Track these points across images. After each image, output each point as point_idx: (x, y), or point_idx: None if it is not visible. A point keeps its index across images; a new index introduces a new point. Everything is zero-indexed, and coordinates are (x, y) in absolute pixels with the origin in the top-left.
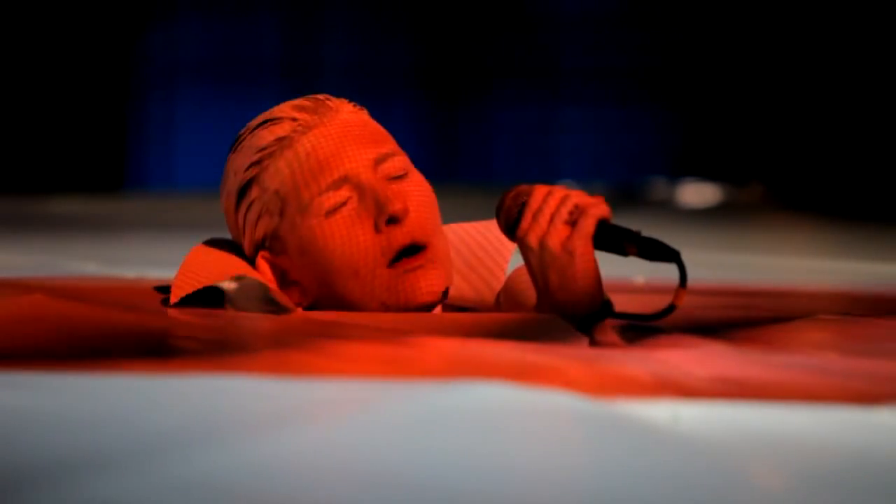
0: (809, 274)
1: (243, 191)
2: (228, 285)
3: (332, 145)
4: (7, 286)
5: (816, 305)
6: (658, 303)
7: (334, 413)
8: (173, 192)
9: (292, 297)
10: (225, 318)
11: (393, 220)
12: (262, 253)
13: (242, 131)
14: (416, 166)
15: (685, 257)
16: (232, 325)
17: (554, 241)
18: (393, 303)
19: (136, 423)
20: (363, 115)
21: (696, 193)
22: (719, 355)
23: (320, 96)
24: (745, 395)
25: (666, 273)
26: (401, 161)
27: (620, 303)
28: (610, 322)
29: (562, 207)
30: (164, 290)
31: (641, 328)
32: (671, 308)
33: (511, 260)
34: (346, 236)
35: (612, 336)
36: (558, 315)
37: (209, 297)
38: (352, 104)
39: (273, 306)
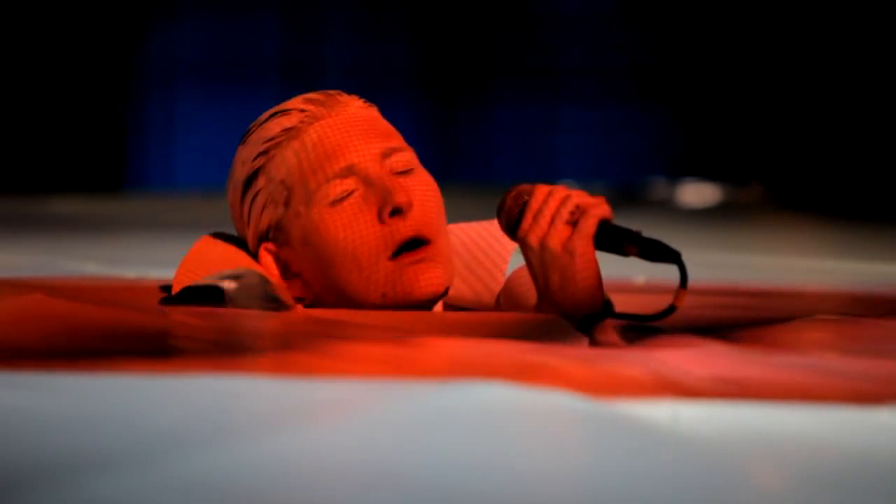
0: (809, 274)
1: (249, 181)
2: (228, 284)
3: (339, 136)
4: (7, 286)
5: (816, 305)
6: (658, 303)
7: (334, 413)
8: (173, 192)
9: (294, 290)
10: (225, 318)
11: (397, 212)
12: (265, 245)
13: (252, 124)
14: None
15: (685, 257)
16: (232, 325)
17: (555, 242)
18: (393, 295)
19: (136, 423)
20: (373, 112)
21: (696, 193)
22: (719, 355)
23: (332, 91)
24: (745, 395)
25: (666, 273)
26: (408, 157)
27: (620, 303)
28: (610, 322)
29: (563, 208)
30: (170, 289)
31: (641, 328)
32: (671, 309)
33: (511, 260)
34: (349, 226)
35: (613, 336)
36: (558, 315)
37: (210, 296)
38: (362, 100)
39: (273, 304)
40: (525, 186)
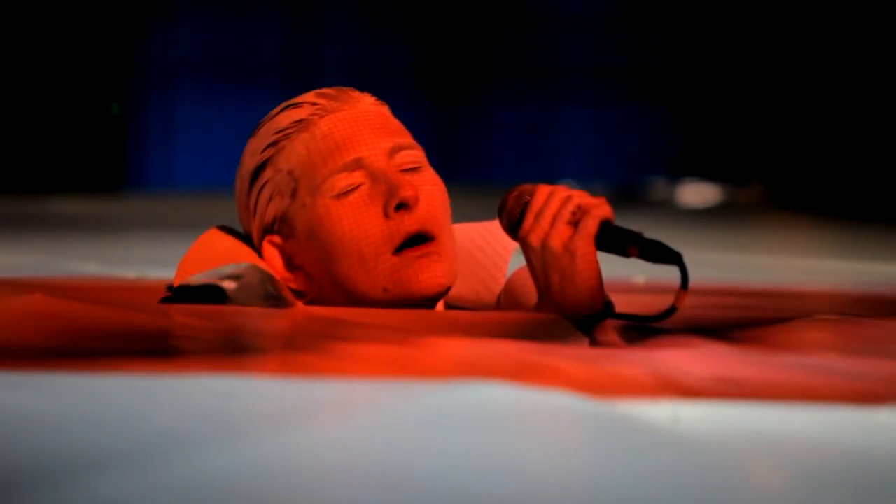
0: (809, 274)
1: (257, 171)
2: (228, 284)
3: (349, 130)
4: (7, 286)
5: (816, 305)
6: (658, 303)
7: (334, 413)
8: (173, 192)
9: (297, 283)
10: (226, 318)
11: (402, 206)
12: (268, 238)
13: (264, 118)
14: None
15: (685, 258)
16: (234, 326)
17: (556, 242)
18: (395, 290)
19: (136, 423)
20: (384, 109)
21: (696, 193)
22: (719, 355)
23: (345, 88)
24: (745, 395)
25: (666, 274)
26: (416, 154)
27: (620, 303)
28: (610, 322)
29: (564, 208)
30: (188, 289)
31: (641, 328)
32: (672, 310)
33: (511, 261)
34: (354, 219)
35: (613, 336)
36: (559, 315)
37: (210, 296)
38: (374, 98)
39: (274, 301)
40: (527, 186)
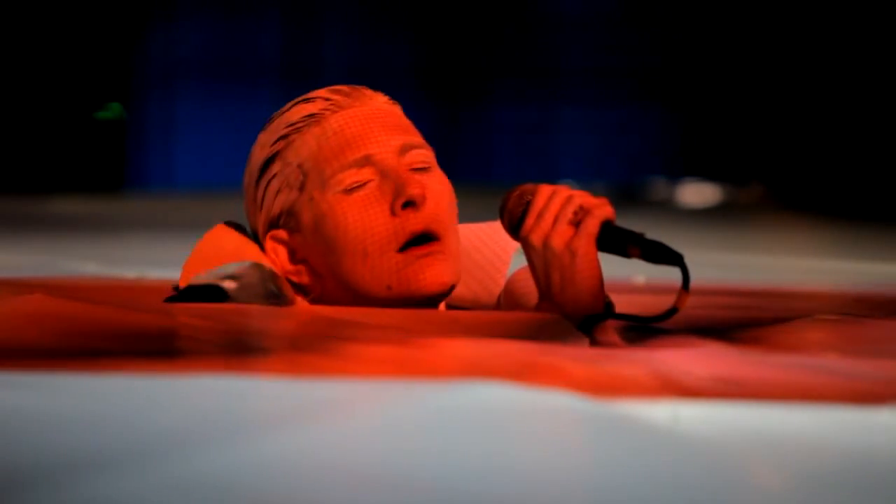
0: (809, 274)
1: (267, 164)
2: (229, 284)
3: (360, 126)
4: (7, 286)
5: (816, 305)
6: (658, 303)
7: (335, 413)
8: (173, 192)
9: (301, 278)
10: (226, 317)
11: (409, 204)
12: (272, 233)
13: (275, 112)
14: None
15: (685, 258)
16: (234, 326)
17: (557, 241)
18: (398, 288)
19: (136, 423)
20: (396, 108)
21: (696, 193)
22: (719, 355)
23: (358, 86)
24: (745, 395)
25: (667, 274)
26: (426, 154)
27: (621, 303)
28: (611, 322)
29: (566, 208)
30: (189, 289)
31: (642, 328)
32: (673, 311)
33: (511, 262)
34: (361, 215)
35: (613, 336)
36: (559, 315)
37: (212, 296)
38: (387, 97)
39: (275, 299)
40: (528, 186)
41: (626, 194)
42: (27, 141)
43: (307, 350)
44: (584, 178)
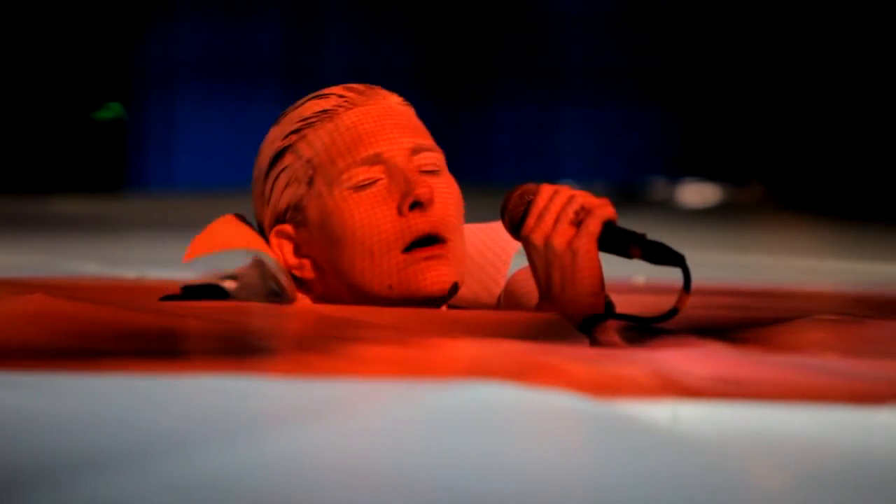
0: (809, 274)
1: (277, 157)
2: (229, 284)
3: (373, 124)
4: (7, 286)
5: (816, 305)
6: (659, 303)
7: (335, 413)
8: (173, 192)
9: (303, 273)
10: (227, 317)
11: (417, 205)
12: (278, 227)
13: (288, 107)
14: None
15: (686, 258)
16: (234, 326)
17: (559, 241)
18: (400, 289)
19: (136, 423)
20: (410, 110)
21: (696, 193)
22: (719, 355)
23: (374, 85)
24: (745, 395)
25: (667, 274)
26: (436, 157)
27: (621, 303)
28: (611, 322)
29: (568, 207)
30: (189, 289)
31: (642, 329)
32: (674, 311)
33: (511, 263)
34: (368, 213)
35: (613, 336)
36: (560, 315)
37: (212, 295)
38: (401, 98)
39: (275, 298)
40: (529, 186)
41: (627, 194)
42: (27, 141)
43: (307, 350)
44: (584, 178)
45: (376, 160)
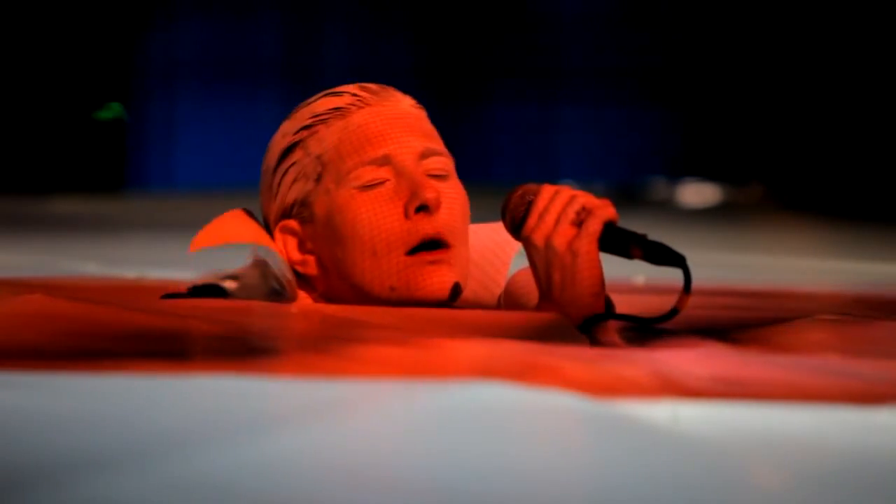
0: (809, 274)
1: (287, 152)
2: (230, 284)
3: (384, 125)
4: (7, 286)
5: (816, 305)
6: (659, 304)
7: (335, 413)
8: (173, 192)
9: (306, 269)
10: (228, 317)
11: (423, 209)
12: (284, 222)
13: (301, 103)
14: None
15: (686, 258)
16: (235, 326)
17: (559, 241)
18: (401, 290)
19: (136, 423)
20: (422, 113)
21: (696, 193)
22: (719, 355)
23: (388, 86)
24: (745, 395)
25: (667, 274)
26: (445, 162)
27: (621, 304)
28: (611, 323)
29: (569, 208)
30: (198, 288)
31: (642, 329)
32: (674, 312)
33: (511, 263)
34: (374, 213)
35: (613, 337)
36: (560, 315)
37: (213, 295)
38: (414, 101)
39: (276, 297)
40: (530, 186)
41: (627, 194)
42: (27, 141)
43: (308, 350)
44: (584, 178)
45: (385, 161)
